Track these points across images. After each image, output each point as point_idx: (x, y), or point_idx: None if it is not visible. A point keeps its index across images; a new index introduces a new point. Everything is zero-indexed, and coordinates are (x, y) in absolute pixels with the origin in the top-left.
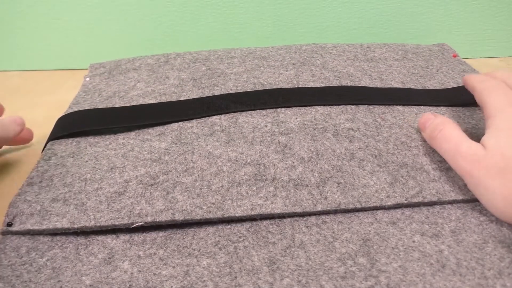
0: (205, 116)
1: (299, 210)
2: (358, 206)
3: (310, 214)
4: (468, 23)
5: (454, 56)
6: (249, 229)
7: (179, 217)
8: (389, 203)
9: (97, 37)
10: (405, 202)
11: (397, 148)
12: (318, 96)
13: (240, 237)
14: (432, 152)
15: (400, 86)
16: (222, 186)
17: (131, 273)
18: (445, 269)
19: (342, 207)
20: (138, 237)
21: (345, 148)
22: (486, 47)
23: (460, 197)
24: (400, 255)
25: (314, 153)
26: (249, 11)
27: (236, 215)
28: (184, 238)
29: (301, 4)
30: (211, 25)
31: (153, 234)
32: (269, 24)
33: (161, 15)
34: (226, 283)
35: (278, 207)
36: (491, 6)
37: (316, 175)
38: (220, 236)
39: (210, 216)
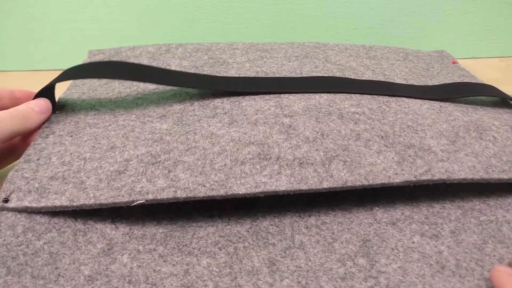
0: (207, 99)
1: (304, 187)
2: (366, 183)
3: (315, 193)
4: (468, 23)
5: (454, 63)
6: (249, 229)
7: (181, 194)
8: (397, 181)
9: (97, 37)
10: (414, 179)
11: (404, 131)
12: (323, 84)
13: (240, 237)
14: (439, 136)
15: (403, 83)
16: (225, 164)
17: (131, 268)
18: (445, 270)
19: (349, 184)
20: (137, 231)
21: (350, 130)
22: (486, 47)
23: (470, 177)
24: (399, 256)
25: (319, 133)
26: (249, 11)
27: (240, 192)
28: (184, 236)
29: (301, 4)
30: (211, 25)
31: (152, 230)
32: (269, 24)
33: (161, 15)
34: (226, 283)
35: (283, 185)
36: (491, 6)
37: (322, 154)
38: (220, 236)
39: (213, 193)
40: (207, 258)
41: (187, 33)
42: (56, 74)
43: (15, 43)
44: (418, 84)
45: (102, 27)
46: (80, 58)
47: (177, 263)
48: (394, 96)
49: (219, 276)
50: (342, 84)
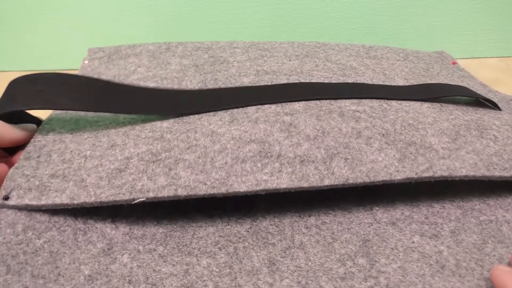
0: (205, 112)
1: (305, 185)
2: (367, 180)
3: (315, 192)
4: (468, 23)
5: (453, 63)
6: (249, 229)
7: (182, 192)
8: (398, 178)
9: (97, 37)
10: (415, 176)
11: (405, 129)
12: (323, 91)
13: (240, 237)
14: (440, 134)
15: (403, 82)
16: (226, 162)
17: (131, 268)
18: (445, 270)
19: (350, 181)
20: (137, 231)
21: (351, 127)
22: (485, 47)
23: (471, 174)
24: (399, 255)
25: (319, 131)
26: (249, 11)
27: (241, 190)
28: (184, 237)
29: (301, 4)
30: (210, 25)
31: (152, 230)
32: (269, 24)
33: (161, 16)
34: (226, 283)
35: (284, 182)
36: (490, 6)
37: (323, 151)
38: (220, 236)
39: (214, 191)
40: (207, 258)
41: (186, 33)
42: None
43: (15, 43)
44: (407, 85)
45: (102, 26)
46: (80, 58)
47: (177, 263)
48: (369, 98)
49: (219, 276)
50: (317, 90)
